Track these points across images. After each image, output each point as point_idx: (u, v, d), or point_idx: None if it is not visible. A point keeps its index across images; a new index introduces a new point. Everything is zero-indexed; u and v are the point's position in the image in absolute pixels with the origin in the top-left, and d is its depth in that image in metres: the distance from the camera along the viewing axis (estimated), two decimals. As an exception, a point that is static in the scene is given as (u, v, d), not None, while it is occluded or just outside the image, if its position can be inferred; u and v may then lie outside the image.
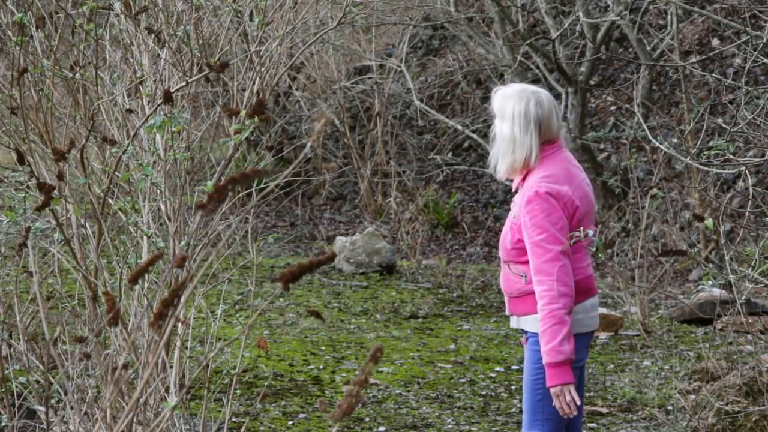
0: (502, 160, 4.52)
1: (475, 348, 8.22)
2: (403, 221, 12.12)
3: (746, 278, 5.33)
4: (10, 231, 4.31)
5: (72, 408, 4.05)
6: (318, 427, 6.57)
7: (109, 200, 4.66)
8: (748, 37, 5.70)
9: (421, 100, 13.85)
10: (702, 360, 7.29)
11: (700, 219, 5.43)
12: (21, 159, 4.20)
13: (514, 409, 6.91)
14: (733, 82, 6.65)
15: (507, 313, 4.62)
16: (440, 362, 7.86)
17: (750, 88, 5.92)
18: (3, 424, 4.26)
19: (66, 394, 4.05)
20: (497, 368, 7.77)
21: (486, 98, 14.44)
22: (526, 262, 4.43)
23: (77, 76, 4.73)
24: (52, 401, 4.19)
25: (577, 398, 4.32)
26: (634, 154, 11.11)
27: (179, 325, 4.68)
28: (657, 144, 5.85)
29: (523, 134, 4.46)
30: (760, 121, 5.66)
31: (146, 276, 4.44)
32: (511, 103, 4.54)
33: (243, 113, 3.98)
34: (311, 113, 14.51)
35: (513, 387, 7.35)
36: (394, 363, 7.80)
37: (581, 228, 4.45)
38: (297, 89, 14.85)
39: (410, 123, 14.61)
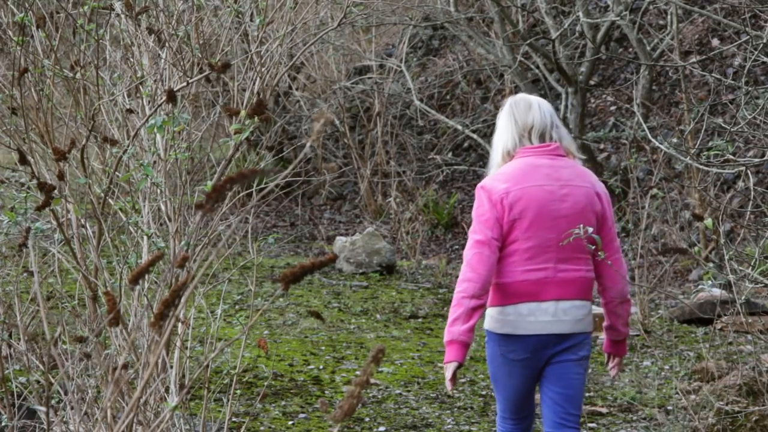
0: (492, 155, 4.79)
1: (475, 348, 8.22)
2: (403, 221, 12.12)
3: (746, 278, 5.34)
4: (10, 231, 4.31)
5: (72, 408, 4.05)
6: (318, 427, 6.57)
7: (110, 200, 4.66)
8: (748, 37, 5.70)
9: (421, 100, 13.85)
10: (702, 360, 7.29)
11: (700, 218, 5.43)
12: (23, 159, 4.20)
13: (514, 409, 6.92)
14: (733, 82, 6.65)
15: None
16: (440, 362, 7.86)
17: (750, 88, 5.92)
18: (3, 424, 4.26)
19: (66, 394, 4.05)
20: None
21: (486, 98, 14.45)
22: None
23: (78, 76, 4.73)
24: (52, 401, 4.19)
25: (449, 385, 4.61)
26: (634, 154, 11.11)
27: (179, 325, 4.68)
28: (657, 144, 5.85)
29: (502, 128, 4.74)
30: (760, 121, 5.66)
31: (147, 276, 4.44)
32: (504, 107, 4.79)
33: (243, 113, 3.98)
34: (311, 113, 14.51)
35: (513, 387, 7.36)
36: (394, 363, 7.80)
37: (581, 225, 4.52)
38: (297, 89, 14.85)
39: (410, 123, 14.61)
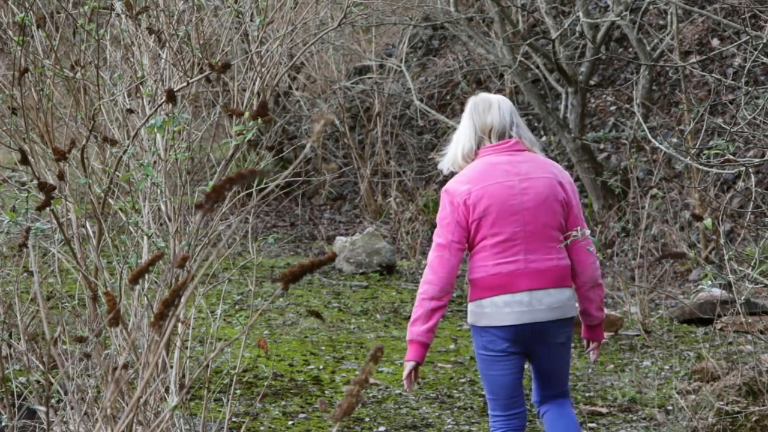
0: (449, 153, 4.95)
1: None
2: (403, 221, 12.12)
3: (746, 278, 5.34)
4: (10, 231, 4.31)
5: (72, 408, 4.05)
6: (318, 427, 6.57)
7: (110, 200, 4.66)
8: (748, 37, 5.70)
9: (421, 100, 13.85)
10: (702, 360, 7.29)
11: (699, 218, 5.44)
12: (24, 159, 4.20)
13: (514, 409, 6.92)
14: (733, 82, 6.65)
15: None
16: (440, 362, 7.86)
17: (750, 88, 5.93)
18: (3, 424, 4.27)
19: (66, 394, 4.05)
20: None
21: (486, 98, 14.46)
22: None
23: (78, 76, 4.73)
24: (52, 401, 4.19)
25: (406, 383, 4.79)
26: (634, 154, 11.10)
27: (179, 325, 4.68)
28: (657, 144, 5.85)
29: (462, 129, 4.91)
30: (760, 121, 5.66)
31: (147, 276, 4.44)
32: (466, 108, 4.95)
33: (246, 114, 3.98)
34: (311, 113, 14.51)
35: (513, 387, 7.36)
36: (394, 363, 7.80)
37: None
38: (297, 89, 14.85)
39: (410, 123, 14.61)
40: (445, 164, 4.95)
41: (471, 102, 4.92)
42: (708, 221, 5.09)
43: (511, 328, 4.72)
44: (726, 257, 5.33)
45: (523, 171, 4.77)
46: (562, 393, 4.93)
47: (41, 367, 4.07)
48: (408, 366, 4.79)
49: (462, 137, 4.89)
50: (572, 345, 4.95)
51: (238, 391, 6.92)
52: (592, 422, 6.64)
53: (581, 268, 4.85)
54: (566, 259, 4.79)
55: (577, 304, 4.92)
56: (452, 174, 4.95)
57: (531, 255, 4.72)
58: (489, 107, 4.85)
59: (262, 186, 3.49)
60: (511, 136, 4.83)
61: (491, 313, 4.73)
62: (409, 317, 9.12)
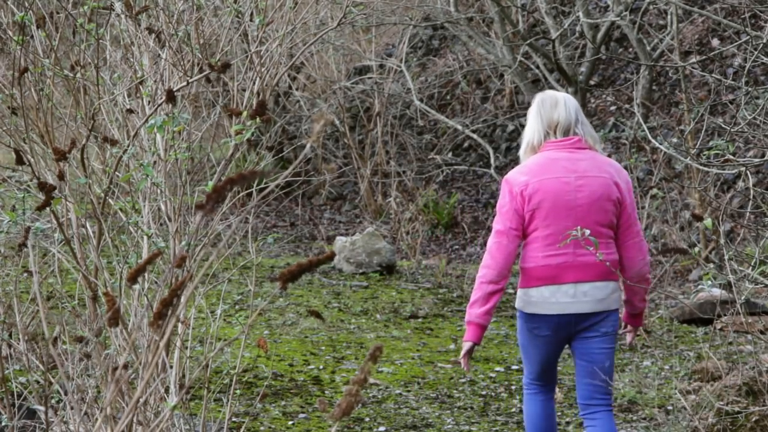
0: (522, 146, 5.18)
1: (475, 348, 8.22)
2: (403, 221, 12.12)
3: (746, 278, 5.34)
4: (10, 231, 4.31)
5: (72, 408, 4.05)
6: (318, 427, 6.57)
7: (110, 200, 4.66)
8: (748, 37, 5.70)
9: (421, 100, 13.85)
10: (702, 360, 7.29)
11: (699, 219, 5.44)
12: (20, 159, 4.20)
13: (514, 409, 6.91)
14: (733, 82, 6.65)
15: None
16: (440, 362, 7.86)
17: (750, 88, 5.92)
18: (3, 424, 4.27)
19: (66, 394, 4.05)
20: (497, 368, 7.77)
21: (486, 98, 14.45)
22: None
23: (78, 76, 4.73)
24: (52, 401, 4.19)
25: (464, 362, 5.08)
26: (634, 154, 11.10)
27: (179, 325, 4.68)
28: (657, 144, 5.85)
29: (530, 123, 5.11)
30: (760, 121, 5.66)
31: (146, 276, 4.44)
32: (534, 104, 5.17)
33: (245, 114, 3.98)
34: (311, 113, 14.51)
35: (513, 387, 7.36)
36: (394, 363, 7.80)
37: (578, 227, 4.87)
38: (297, 89, 14.85)
39: (410, 123, 14.61)
40: (521, 154, 5.20)
41: (539, 98, 5.13)
42: (708, 221, 5.09)
43: (555, 317, 4.98)
44: (726, 257, 5.33)
45: (581, 169, 4.99)
46: (606, 403, 5.09)
47: (41, 367, 4.07)
48: (466, 346, 5.05)
49: (530, 131, 5.11)
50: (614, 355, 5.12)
51: (238, 391, 6.92)
52: (592, 422, 6.64)
53: (630, 264, 5.06)
54: (614, 254, 5.02)
55: (622, 296, 5.16)
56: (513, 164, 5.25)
57: (580, 249, 4.93)
58: (556, 104, 5.07)
59: (262, 186, 3.49)
60: (575, 133, 5.05)
61: (537, 302, 4.99)
62: (409, 317, 9.16)
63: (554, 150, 5.02)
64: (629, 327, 5.32)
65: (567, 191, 4.95)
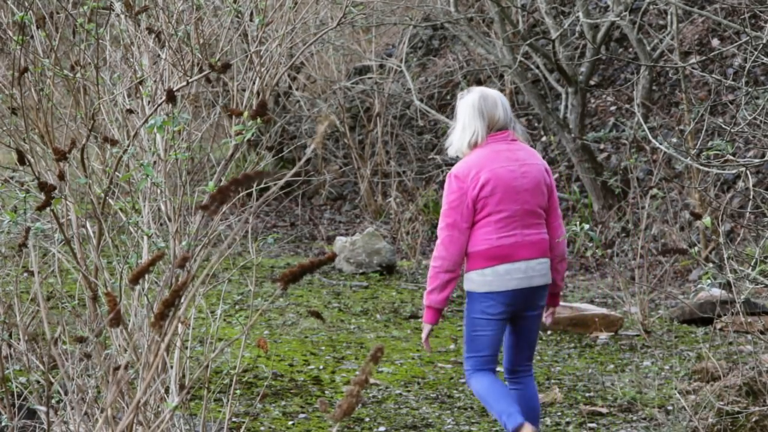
0: (455, 140, 5.60)
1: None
2: (403, 221, 12.12)
3: (746, 278, 5.34)
4: (10, 231, 4.31)
5: (72, 408, 4.05)
6: (318, 427, 6.57)
7: (110, 200, 4.66)
8: (748, 37, 5.70)
9: (421, 100, 13.84)
10: (702, 360, 7.29)
11: (698, 217, 5.46)
12: (21, 159, 4.20)
13: (514, 409, 6.91)
14: (733, 82, 6.65)
15: None
16: (440, 362, 7.86)
17: (750, 88, 5.92)
18: (3, 424, 4.27)
19: (66, 394, 4.05)
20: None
21: (486, 98, 14.46)
22: None
23: (78, 76, 4.73)
24: (53, 401, 4.19)
25: (426, 344, 5.52)
26: (634, 154, 11.10)
27: (179, 325, 4.68)
28: (657, 144, 5.85)
29: (471, 120, 5.50)
30: (760, 122, 5.66)
31: (147, 276, 4.44)
32: (466, 98, 5.57)
33: (245, 114, 3.98)
34: (311, 113, 14.50)
35: (513, 387, 7.36)
36: (394, 363, 7.80)
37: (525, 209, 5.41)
38: (297, 89, 14.85)
39: (410, 123, 14.61)
40: (452, 150, 5.63)
41: (478, 97, 5.52)
42: (707, 219, 5.09)
43: (511, 292, 5.42)
44: (726, 257, 5.33)
45: (520, 158, 5.49)
46: (528, 369, 5.64)
47: (41, 367, 4.07)
48: (426, 328, 5.50)
49: (470, 126, 5.51)
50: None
51: (238, 391, 6.92)
52: (592, 422, 6.64)
53: (555, 244, 5.59)
54: (547, 234, 5.55)
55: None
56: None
57: (526, 230, 5.45)
58: (496, 104, 5.50)
59: (263, 186, 3.49)
60: (509, 129, 5.54)
61: (493, 281, 5.41)
62: (410, 317, 9.15)
63: (495, 143, 5.49)
64: (550, 309, 5.71)
65: (514, 178, 5.43)
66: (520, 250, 5.42)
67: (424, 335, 5.53)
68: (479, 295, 5.43)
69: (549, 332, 8.72)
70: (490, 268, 5.40)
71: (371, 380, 7.41)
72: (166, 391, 4.51)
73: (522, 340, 5.59)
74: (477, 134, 5.50)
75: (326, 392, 7.19)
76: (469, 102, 5.51)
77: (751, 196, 5.53)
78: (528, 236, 5.44)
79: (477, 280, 5.43)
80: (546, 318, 5.71)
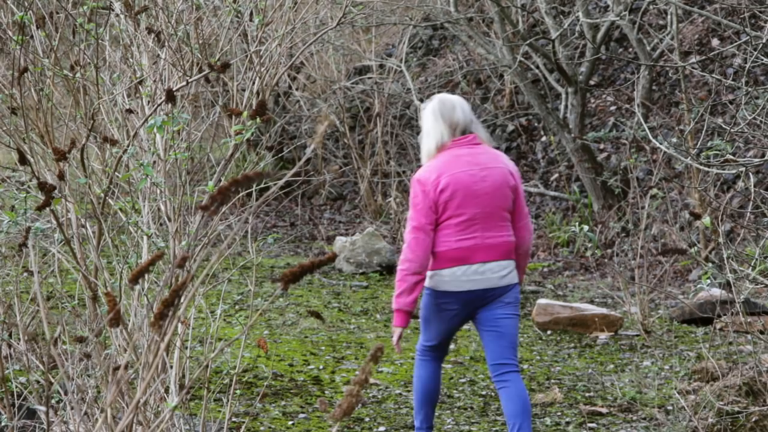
0: (423, 148, 5.83)
1: (475, 348, 8.22)
2: (403, 221, 12.11)
3: (746, 278, 5.34)
4: (10, 231, 4.31)
5: (72, 408, 4.05)
6: (318, 427, 6.57)
7: (110, 200, 4.66)
8: (748, 37, 5.70)
9: (421, 100, 13.82)
10: (702, 360, 7.29)
11: (697, 216, 5.46)
12: (23, 159, 4.20)
13: (514, 409, 6.91)
14: (733, 82, 6.65)
15: None
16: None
17: (750, 88, 5.92)
18: (3, 424, 4.26)
19: (66, 394, 4.05)
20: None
21: (486, 98, 14.45)
22: None
23: (77, 76, 4.73)
24: (52, 401, 4.19)
25: (396, 347, 5.70)
26: (634, 154, 11.10)
27: (179, 325, 4.67)
28: (657, 144, 5.85)
29: (432, 126, 5.72)
30: (760, 121, 5.66)
31: (147, 276, 4.44)
32: (428, 106, 5.79)
33: (245, 114, 3.98)
34: (311, 113, 14.50)
35: (513, 387, 7.36)
36: (394, 363, 7.80)
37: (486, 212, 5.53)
38: (297, 89, 14.84)
39: (410, 123, 14.61)
40: (423, 157, 5.82)
41: (437, 102, 5.73)
42: (706, 219, 5.09)
43: (465, 293, 5.59)
44: (725, 257, 5.33)
45: (482, 161, 5.63)
46: (514, 366, 5.67)
47: (41, 367, 4.07)
48: (397, 332, 5.68)
49: (434, 133, 5.72)
50: (519, 315, 5.79)
51: (238, 391, 6.92)
52: (592, 422, 6.64)
53: (521, 242, 5.73)
54: (513, 237, 5.67)
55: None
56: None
57: (487, 232, 5.59)
58: (453, 107, 5.68)
59: (263, 186, 3.49)
60: (471, 132, 5.67)
61: (450, 281, 5.59)
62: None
63: (457, 147, 5.64)
64: None
65: (474, 182, 5.57)
66: (478, 252, 5.56)
67: (394, 339, 5.69)
68: (436, 293, 5.64)
69: (549, 332, 8.72)
70: (449, 269, 5.57)
71: (371, 380, 7.41)
72: (166, 391, 4.51)
73: (492, 332, 5.68)
74: (439, 139, 5.68)
75: (326, 392, 7.19)
76: (429, 109, 5.73)
77: (751, 196, 5.53)
78: (488, 239, 5.58)
79: (435, 279, 5.62)
80: None
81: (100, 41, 4.66)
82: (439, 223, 5.58)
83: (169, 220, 4.63)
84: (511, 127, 13.84)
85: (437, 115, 5.70)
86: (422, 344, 5.84)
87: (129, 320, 4.43)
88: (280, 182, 2.63)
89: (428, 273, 5.63)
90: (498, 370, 5.68)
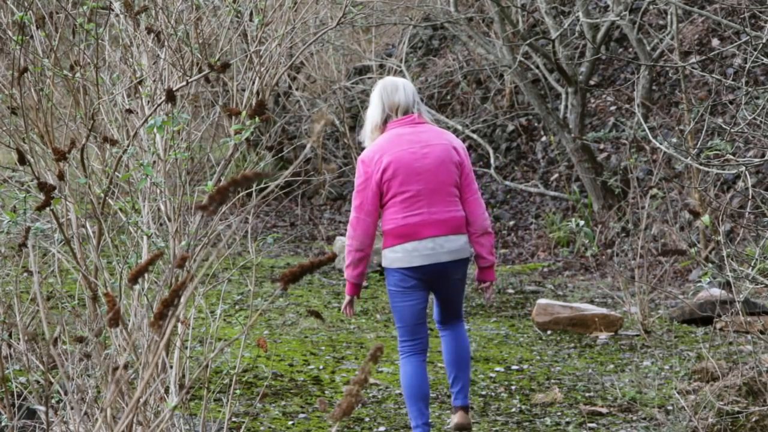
0: (365, 129, 5.95)
1: (475, 348, 8.22)
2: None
3: (746, 278, 5.34)
4: (10, 231, 4.31)
5: (72, 408, 4.05)
6: (318, 427, 6.57)
7: (110, 200, 4.66)
8: (748, 37, 5.70)
9: (421, 100, 13.83)
10: (702, 360, 7.29)
11: (696, 214, 5.47)
12: (22, 159, 4.20)
13: (514, 409, 6.91)
14: (733, 82, 6.65)
15: None
16: (440, 362, 7.85)
17: (750, 88, 5.92)
18: (3, 424, 4.26)
19: (66, 394, 4.05)
20: (497, 368, 7.77)
21: (486, 98, 14.45)
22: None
23: (77, 76, 4.73)
24: (52, 401, 4.19)
25: (347, 311, 5.93)
26: (634, 154, 11.10)
27: (179, 325, 4.68)
28: (657, 144, 5.85)
29: (373, 107, 5.88)
30: (760, 121, 5.66)
31: (146, 276, 4.44)
32: (375, 89, 5.92)
33: (244, 114, 3.98)
34: (311, 113, 14.50)
35: (513, 387, 7.36)
36: (394, 363, 7.80)
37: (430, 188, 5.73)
38: (297, 89, 14.85)
39: (410, 123, 14.60)
40: (363, 138, 5.98)
41: (380, 84, 5.90)
42: (706, 218, 5.09)
43: (419, 268, 5.78)
44: (725, 256, 5.33)
45: (423, 139, 5.80)
46: (457, 318, 6.05)
47: (41, 367, 4.07)
48: (347, 298, 5.91)
49: (374, 113, 5.87)
50: (467, 281, 6.14)
51: (238, 391, 6.92)
52: (592, 422, 6.64)
53: (473, 218, 5.86)
54: (462, 211, 5.82)
55: (471, 249, 5.94)
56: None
57: (433, 208, 5.76)
58: (396, 89, 5.84)
59: (263, 186, 3.49)
60: (413, 112, 5.84)
61: (402, 257, 5.79)
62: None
63: (398, 127, 5.81)
64: (486, 282, 6.02)
65: (415, 159, 5.74)
66: (425, 228, 5.75)
67: (344, 304, 5.92)
68: (392, 270, 5.84)
69: (549, 332, 8.72)
70: (399, 245, 5.77)
71: (371, 380, 7.41)
72: (166, 391, 4.51)
73: (445, 302, 5.99)
74: (377, 119, 5.85)
75: (326, 392, 7.19)
76: (374, 92, 5.89)
77: (751, 196, 5.53)
78: (435, 214, 5.75)
79: (389, 257, 5.82)
80: (486, 295, 6.04)
81: (99, 41, 4.66)
82: (386, 201, 5.76)
83: (169, 220, 4.63)
84: (511, 127, 13.84)
85: (378, 96, 5.87)
86: (399, 341, 5.98)
87: (129, 320, 4.43)
88: (278, 182, 2.64)
89: (383, 252, 5.85)
90: (444, 325, 6.05)
